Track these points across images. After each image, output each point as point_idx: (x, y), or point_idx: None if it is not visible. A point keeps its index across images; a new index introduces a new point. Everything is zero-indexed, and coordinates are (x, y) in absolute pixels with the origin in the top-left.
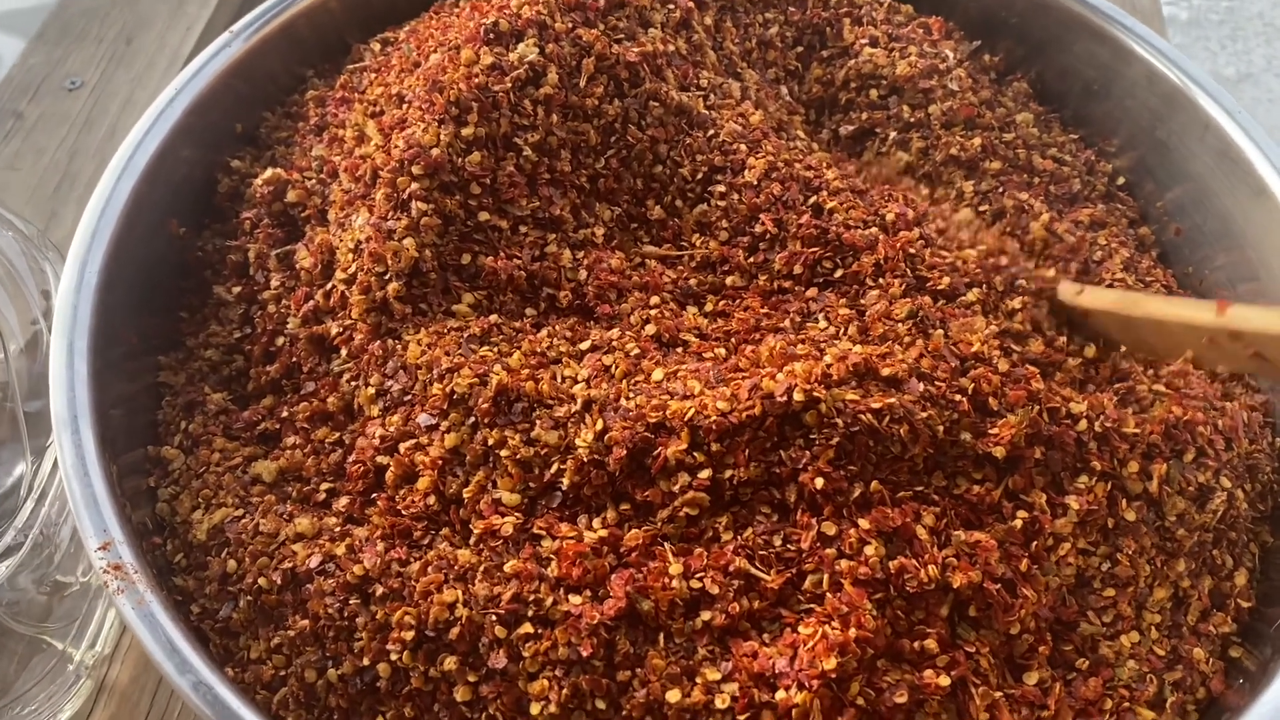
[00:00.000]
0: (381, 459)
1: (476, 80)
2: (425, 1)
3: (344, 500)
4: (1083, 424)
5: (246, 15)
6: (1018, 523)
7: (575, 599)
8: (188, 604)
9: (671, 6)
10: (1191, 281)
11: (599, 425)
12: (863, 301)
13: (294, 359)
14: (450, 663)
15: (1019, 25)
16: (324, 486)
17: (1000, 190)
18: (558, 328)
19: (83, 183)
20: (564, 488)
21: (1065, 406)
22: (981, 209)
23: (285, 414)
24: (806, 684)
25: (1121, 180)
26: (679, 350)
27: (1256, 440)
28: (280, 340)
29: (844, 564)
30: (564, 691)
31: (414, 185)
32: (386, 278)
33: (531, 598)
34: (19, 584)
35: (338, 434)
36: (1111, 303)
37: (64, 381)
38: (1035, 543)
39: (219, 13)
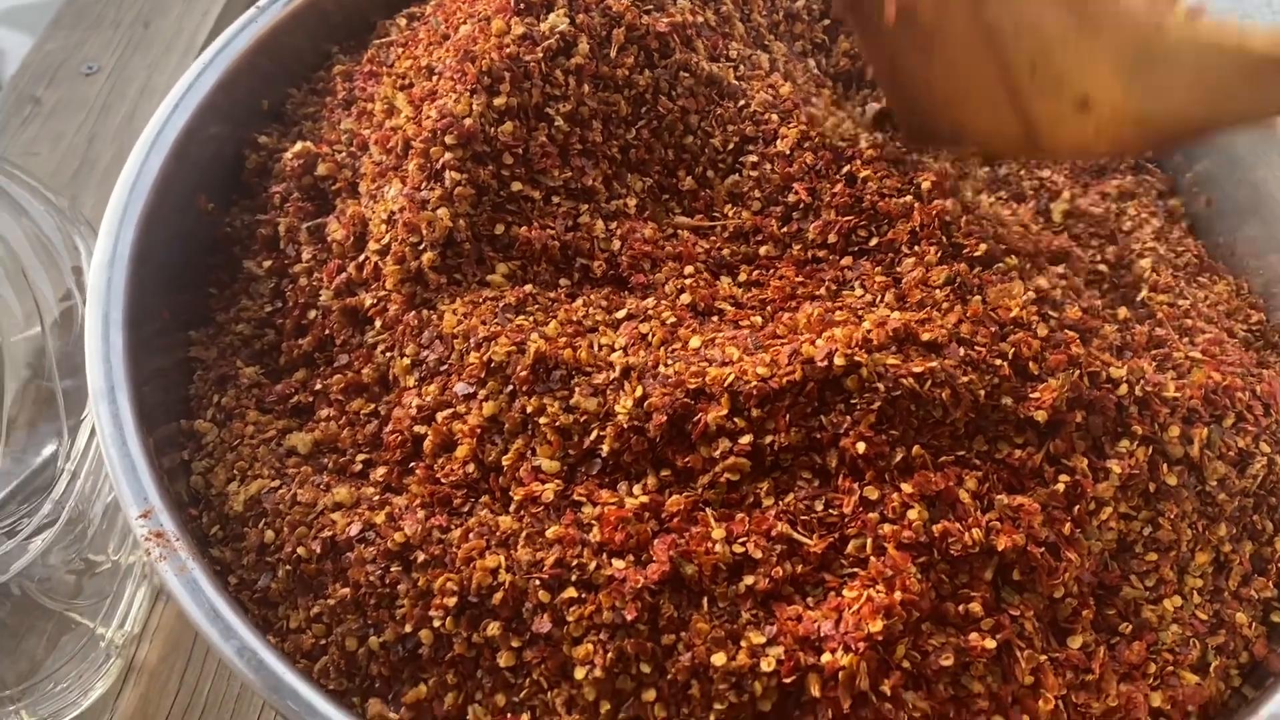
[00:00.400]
0: (419, 428)
1: (508, 50)
2: None
3: (381, 470)
4: (1123, 388)
5: None
6: (1060, 486)
7: (618, 563)
8: (225, 575)
9: None
10: (1222, 252)
11: (638, 392)
12: (899, 269)
13: (327, 331)
14: (493, 628)
15: None
16: (360, 457)
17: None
18: (593, 297)
19: (101, 168)
20: (604, 454)
21: (1105, 371)
22: (999, 194)
23: (319, 386)
24: (853, 646)
25: (1149, 152)
26: (715, 319)
27: None
28: (313, 313)
29: (887, 528)
30: (609, 655)
31: (447, 155)
32: (421, 248)
33: (575, 562)
34: (50, 561)
35: (373, 405)
36: None
37: (100, 353)
38: (1077, 506)
39: None
